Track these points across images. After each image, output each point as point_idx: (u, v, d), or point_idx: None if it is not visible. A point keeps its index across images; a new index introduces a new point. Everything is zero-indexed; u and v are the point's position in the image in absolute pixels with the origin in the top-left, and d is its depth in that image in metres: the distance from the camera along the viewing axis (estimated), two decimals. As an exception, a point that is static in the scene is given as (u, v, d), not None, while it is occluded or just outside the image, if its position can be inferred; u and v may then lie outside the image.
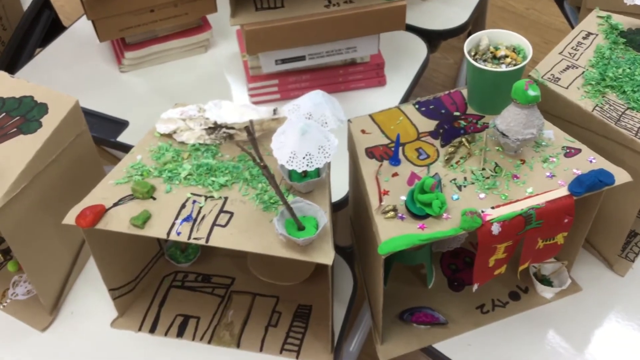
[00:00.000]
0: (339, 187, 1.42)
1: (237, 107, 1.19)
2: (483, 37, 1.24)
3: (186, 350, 1.25)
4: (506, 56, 1.22)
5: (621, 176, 1.15)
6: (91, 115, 1.64)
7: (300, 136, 1.04)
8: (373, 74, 1.70)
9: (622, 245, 1.33)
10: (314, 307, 1.31)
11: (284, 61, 1.61)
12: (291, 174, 1.11)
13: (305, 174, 1.11)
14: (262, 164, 0.98)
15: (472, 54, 1.23)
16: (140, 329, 1.28)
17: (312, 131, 1.05)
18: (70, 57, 1.82)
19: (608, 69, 1.31)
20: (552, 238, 1.17)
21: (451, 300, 1.33)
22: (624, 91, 1.27)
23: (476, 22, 2.60)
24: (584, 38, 1.39)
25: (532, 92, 1.11)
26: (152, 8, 1.69)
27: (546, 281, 1.34)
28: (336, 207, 1.43)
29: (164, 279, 1.36)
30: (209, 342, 1.26)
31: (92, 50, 1.84)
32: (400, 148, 1.21)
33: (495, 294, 1.34)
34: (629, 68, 1.30)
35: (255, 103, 1.69)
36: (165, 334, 1.27)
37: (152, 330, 1.28)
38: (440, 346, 1.26)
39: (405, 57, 1.79)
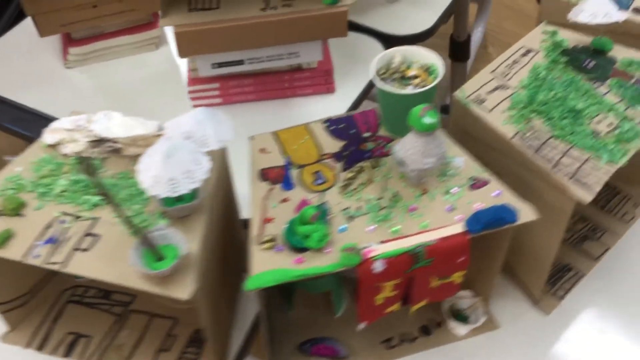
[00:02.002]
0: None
1: (127, 120, 1.12)
2: (396, 55, 1.15)
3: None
4: (416, 76, 1.12)
5: (526, 213, 1.05)
6: (24, 112, 1.59)
7: (164, 159, 0.97)
8: (321, 80, 1.62)
9: (545, 280, 1.23)
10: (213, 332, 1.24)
11: (220, 65, 1.53)
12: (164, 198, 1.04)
13: (179, 198, 1.04)
14: (101, 190, 0.91)
15: (382, 72, 1.14)
16: (29, 345, 1.22)
17: (179, 154, 0.98)
18: (22, 50, 1.77)
19: (540, 91, 1.20)
20: (447, 277, 1.08)
21: (358, 331, 1.24)
22: (551, 117, 1.16)
23: (479, 19, 2.49)
24: (522, 55, 1.28)
25: (428, 120, 1.02)
26: (94, 4, 1.63)
27: (461, 316, 1.24)
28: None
29: (63, 292, 1.30)
30: (96, 363, 1.20)
31: (44, 43, 1.78)
32: (298, 171, 1.13)
33: (405, 327, 1.25)
34: (563, 91, 1.20)
35: (196, 107, 1.61)
36: (53, 352, 1.21)
37: (41, 347, 1.22)
38: (336, 382, 1.18)
39: (360, 63, 1.69)
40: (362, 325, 1.09)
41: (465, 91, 1.22)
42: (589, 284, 1.30)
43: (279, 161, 1.15)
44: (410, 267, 1.03)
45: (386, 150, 1.15)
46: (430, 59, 1.14)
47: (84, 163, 0.90)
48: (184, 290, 0.97)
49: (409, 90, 1.10)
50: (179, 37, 1.43)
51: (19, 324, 1.25)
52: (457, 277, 1.09)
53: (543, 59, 1.26)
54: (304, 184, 1.11)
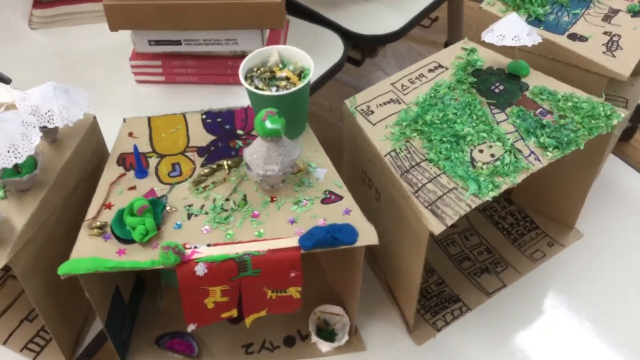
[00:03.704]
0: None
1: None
2: (273, 53, 1.10)
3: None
4: (287, 78, 1.07)
5: (368, 237, 1.00)
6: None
7: (-14, 131, 0.95)
8: (266, 71, 1.57)
9: (414, 306, 1.16)
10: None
11: (158, 43, 1.51)
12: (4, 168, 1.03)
13: (19, 170, 1.03)
14: None
15: (256, 68, 1.10)
16: None
17: (5, 127, 0.96)
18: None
19: (430, 110, 1.14)
20: (283, 291, 1.04)
21: (222, 331, 1.22)
22: (431, 139, 1.09)
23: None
24: (430, 71, 1.21)
25: (270, 125, 0.97)
26: (61, -32, 1.64)
27: (328, 332, 1.19)
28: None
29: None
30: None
31: (14, 2, 1.80)
32: (158, 160, 1.10)
33: (270, 334, 1.21)
34: (454, 113, 1.13)
35: (140, 82, 1.61)
36: None
37: None
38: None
39: (316, 57, 1.63)
40: (191, 327, 1.06)
41: (357, 100, 1.16)
42: (473, 321, 1.23)
43: (143, 148, 1.12)
44: (236, 274, 0.99)
45: (252, 151, 1.11)
46: (306, 63, 1.09)
47: None
48: (-5, 258, 0.96)
49: (271, 91, 1.06)
50: (107, 9, 1.42)
51: None
52: (293, 292, 1.04)
53: (450, 77, 1.19)
54: (160, 174, 1.08)
